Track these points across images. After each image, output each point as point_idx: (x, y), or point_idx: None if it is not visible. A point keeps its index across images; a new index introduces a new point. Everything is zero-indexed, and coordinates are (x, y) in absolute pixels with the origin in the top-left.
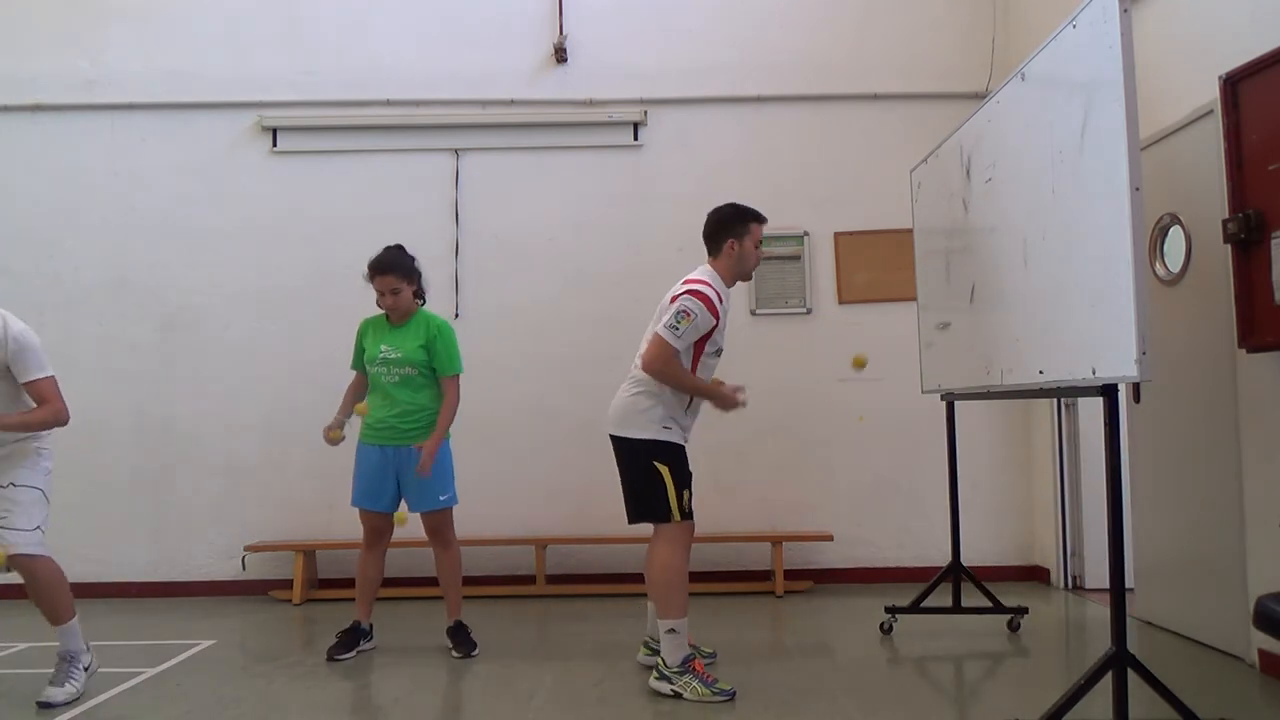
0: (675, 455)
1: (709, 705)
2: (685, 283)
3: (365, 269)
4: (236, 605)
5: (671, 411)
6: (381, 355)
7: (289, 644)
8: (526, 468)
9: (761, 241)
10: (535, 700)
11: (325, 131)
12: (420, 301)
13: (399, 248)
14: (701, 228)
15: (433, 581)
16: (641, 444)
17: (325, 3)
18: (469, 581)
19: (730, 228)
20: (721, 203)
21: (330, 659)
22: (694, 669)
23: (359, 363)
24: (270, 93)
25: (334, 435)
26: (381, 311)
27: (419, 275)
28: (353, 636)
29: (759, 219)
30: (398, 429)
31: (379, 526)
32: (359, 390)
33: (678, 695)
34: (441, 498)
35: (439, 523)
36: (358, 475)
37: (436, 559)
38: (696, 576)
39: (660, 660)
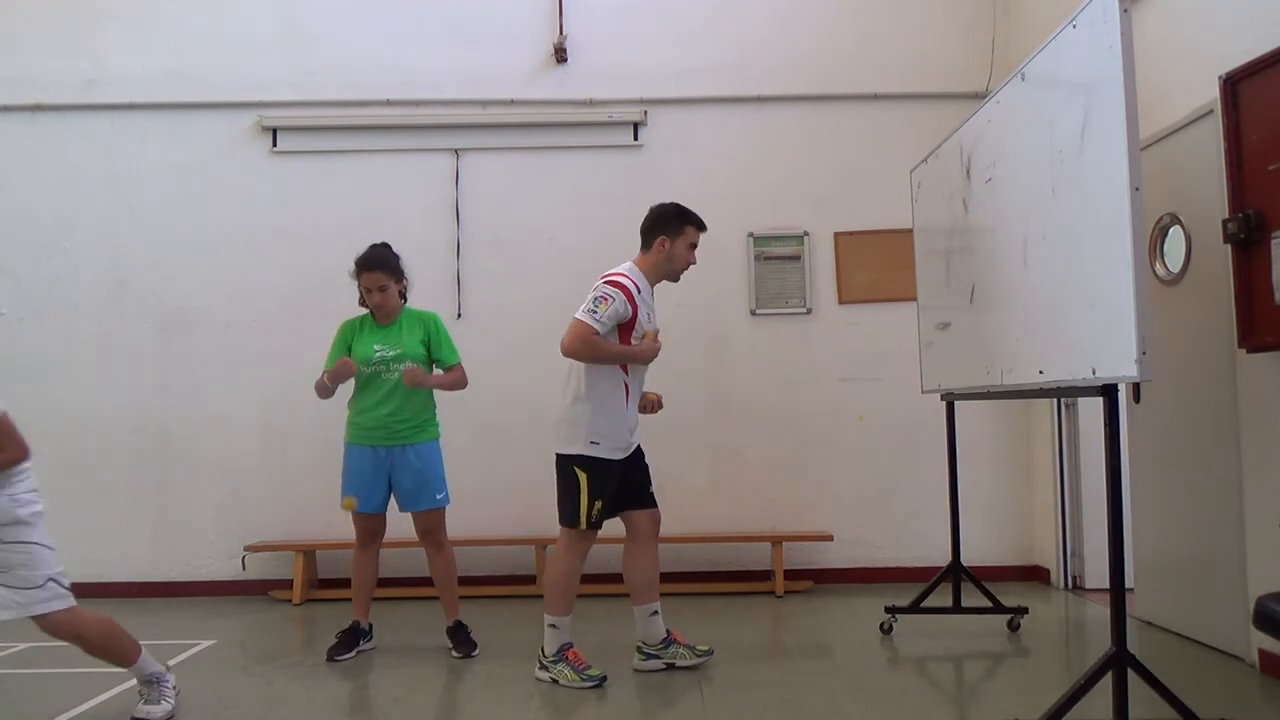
0: (597, 467)
1: (710, 706)
2: (603, 276)
3: (352, 266)
4: (236, 605)
5: (607, 418)
6: (378, 354)
7: (289, 644)
8: (526, 468)
9: (695, 245)
10: (535, 700)
11: (325, 131)
12: (403, 300)
13: (386, 245)
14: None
15: (433, 581)
16: (567, 457)
17: (325, 3)
18: (469, 581)
19: (665, 226)
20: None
21: (330, 659)
22: (567, 658)
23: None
24: (270, 93)
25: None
26: (359, 314)
27: (404, 274)
28: (352, 637)
29: (698, 224)
30: (391, 429)
31: (371, 527)
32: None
33: (555, 682)
34: (438, 496)
35: (433, 523)
36: (347, 477)
37: (430, 561)
38: (696, 576)
39: (540, 650)
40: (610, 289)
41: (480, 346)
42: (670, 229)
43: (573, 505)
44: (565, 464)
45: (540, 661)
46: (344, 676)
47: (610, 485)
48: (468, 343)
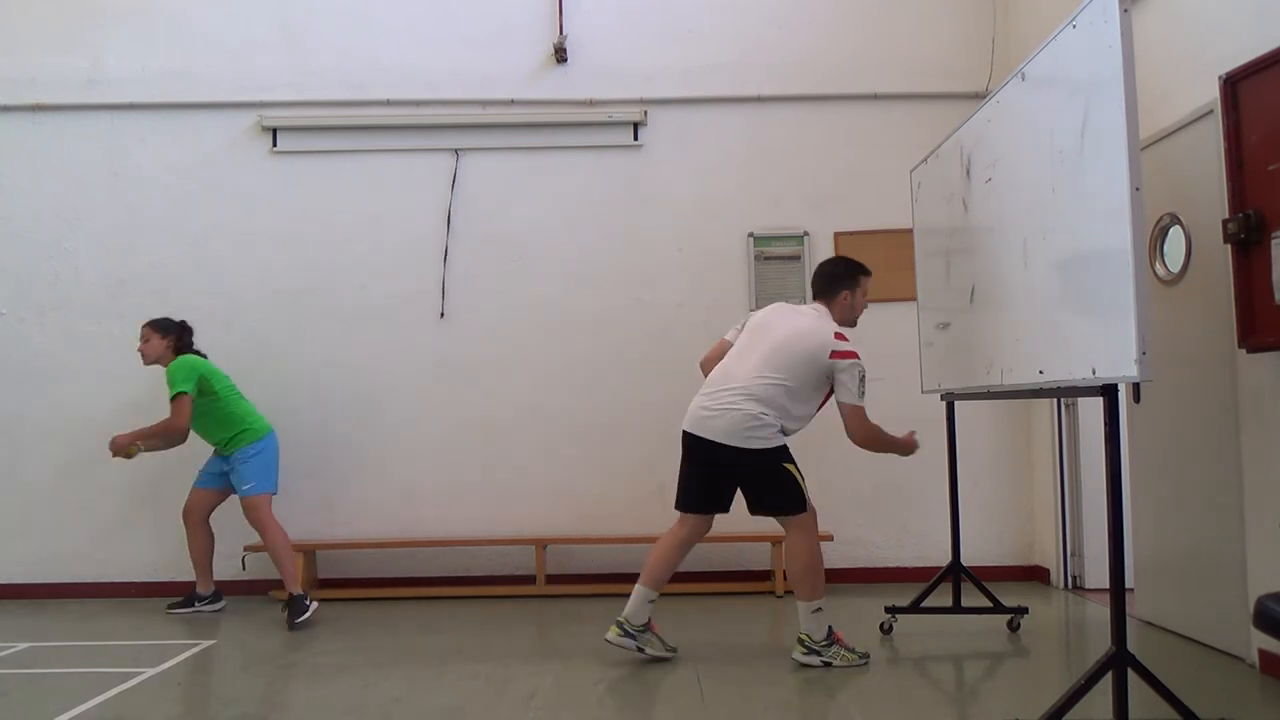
0: (792, 453)
1: (710, 706)
2: (838, 338)
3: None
4: (236, 605)
5: (785, 419)
6: None
7: (289, 644)
8: (526, 468)
9: (867, 291)
10: (535, 700)
11: (325, 131)
12: (170, 351)
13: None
14: (702, 227)
15: (433, 581)
16: (770, 452)
17: (325, 3)
18: (469, 581)
19: (845, 281)
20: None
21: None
22: (836, 640)
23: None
24: (270, 93)
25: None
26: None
27: (170, 332)
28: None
29: (867, 272)
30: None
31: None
32: None
33: (828, 665)
34: (244, 487)
35: (247, 507)
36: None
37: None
38: (696, 576)
39: (805, 635)
40: (860, 365)
41: (478, 346)
42: (849, 283)
43: (793, 494)
44: (770, 461)
45: (807, 646)
46: (344, 676)
47: None
48: (463, 342)
